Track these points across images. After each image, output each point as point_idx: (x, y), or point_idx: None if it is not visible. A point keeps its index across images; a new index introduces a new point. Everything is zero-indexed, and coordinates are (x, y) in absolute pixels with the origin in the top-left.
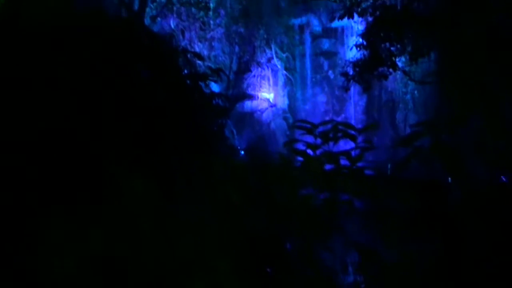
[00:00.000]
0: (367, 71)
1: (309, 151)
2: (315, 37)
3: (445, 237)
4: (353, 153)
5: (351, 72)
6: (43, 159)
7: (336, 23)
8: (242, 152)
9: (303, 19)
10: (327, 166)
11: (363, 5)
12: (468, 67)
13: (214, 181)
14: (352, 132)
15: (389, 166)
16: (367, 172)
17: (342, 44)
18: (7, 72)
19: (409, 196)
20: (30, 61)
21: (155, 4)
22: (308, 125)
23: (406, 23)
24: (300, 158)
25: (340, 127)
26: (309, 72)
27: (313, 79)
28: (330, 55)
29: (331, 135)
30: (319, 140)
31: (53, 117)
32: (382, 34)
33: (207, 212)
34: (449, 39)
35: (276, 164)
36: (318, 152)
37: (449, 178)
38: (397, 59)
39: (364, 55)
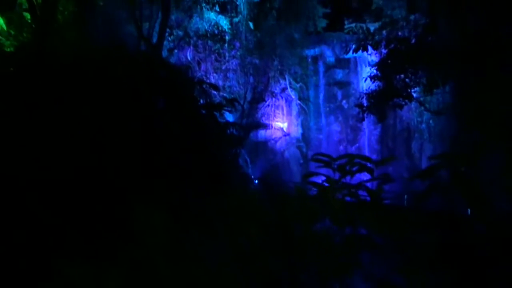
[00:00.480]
0: (382, 102)
1: (327, 184)
2: (328, 68)
3: (467, 269)
4: (369, 184)
5: (365, 103)
6: (65, 192)
7: (349, 54)
8: (256, 181)
9: (317, 50)
10: (346, 198)
11: (377, 38)
12: (486, 99)
13: (229, 215)
14: (369, 164)
15: (405, 197)
16: (384, 202)
17: (356, 74)
18: (32, 105)
19: (429, 228)
20: (54, 94)
21: (172, 37)
22: (326, 158)
23: (420, 55)
24: (316, 190)
25: (357, 160)
26: (322, 101)
27: (327, 109)
28: (344, 85)
29: (347, 168)
30: (337, 175)
31: (75, 151)
32: (396, 66)
33: (224, 247)
34: (465, 72)
35: (292, 196)
36: (336, 184)
37: (468, 210)
38: (412, 89)
39: (378, 86)
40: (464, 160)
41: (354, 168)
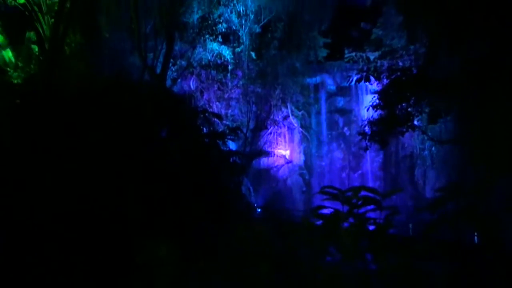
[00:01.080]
0: (385, 131)
1: (335, 216)
2: (329, 95)
3: None
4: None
5: (368, 131)
6: (70, 225)
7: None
8: (259, 210)
9: (318, 79)
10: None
11: (378, 67)
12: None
13: (236, 248)
14: (376, 196)
15: (410, 225)
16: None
17: (356, 101)
18: (39, 137)
19: (439, 258)
20: (61, 126)
21: (176, 66)
22: (333, 191)
23: (422, 85)
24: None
25: (363, 192)
26: (324, 129)
27: (329, 136)
28: (345, 112)
29: (354, 201)
30: (345, 207)
31: (81, 183)
32: (398, 96)
33: (232, 281)
34: (467, 101)
35: (299, 227)
36: (344, 216)
37: (476, 239)
38: (414, 118)
39: (381, 115)
40: (471, 192)
41: (361, 202)
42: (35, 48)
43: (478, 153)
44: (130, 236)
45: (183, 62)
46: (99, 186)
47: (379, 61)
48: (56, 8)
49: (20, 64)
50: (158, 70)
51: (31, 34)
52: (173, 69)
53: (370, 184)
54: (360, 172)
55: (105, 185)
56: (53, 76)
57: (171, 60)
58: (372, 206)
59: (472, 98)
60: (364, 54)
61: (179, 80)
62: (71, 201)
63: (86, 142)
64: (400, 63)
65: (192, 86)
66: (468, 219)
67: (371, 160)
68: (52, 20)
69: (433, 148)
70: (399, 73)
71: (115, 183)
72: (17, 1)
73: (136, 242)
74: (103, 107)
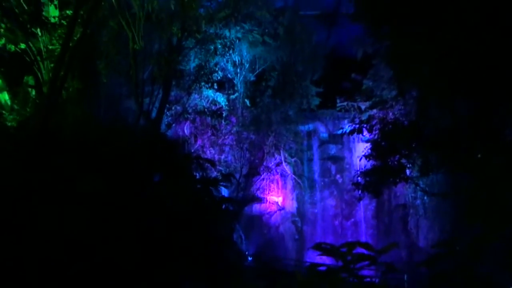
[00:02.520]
0: (378, 181)
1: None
2: (322, 143)
3: None
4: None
5: (361, 181)
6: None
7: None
8: (250, 258)
9: (310, 126)
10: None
11: (369, 117)
12: (483, 186)
13: None
14: (371, 253)
15: (405, 277)
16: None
17: (348, 149)
18: (33, 182)
19: None
20: (56, 172)
21: (171, 111)
22: (328, 247)
23: (413, 138)
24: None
25: (358, 248)
26: (317, 176)
27: (322, 183)
28: (337, 160)
29: (349, 258)
30: (340, 262)
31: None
32: (390, 148)
33: None
34: (458, 156)
35: (293, 284)
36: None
37: None
38: (407, 169)
39: (373, 165)
40: (466, 250)
41: (356, 258)
42: (32, 91)
43: (470, 207)
44: (118, 282)
45: (178, 108)
46: (91, 234)
47: (370, 111)
48: (56, 53)
49: (16, 107)
50: (154, 115)
51: (29, 78)
52: (168, 114)
53: (363, 233)
54: (353, 220)
55: (97, 233)
56: (49, 121)
57: (167, 105)
58: (367, 262)
59: (463, 152)
60: (355, 104)
61: (173, 125)
62: (62, 248)
63: (80, 190)
64: (391, 113)
65: (186, 131)
66: (463, 280)
67: (364, 208)
68: (52, 65)
69: (425, 198)
70: (390, 126)
71: (107, 231)
72: (18, 46)
73: None
74: (98, 154)
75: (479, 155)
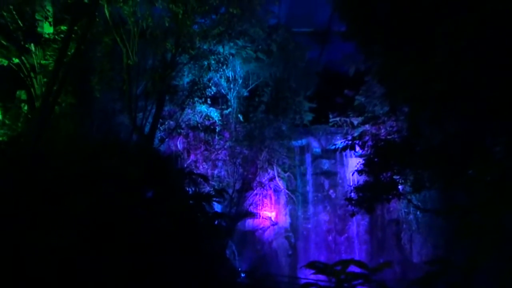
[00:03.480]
0: (371, 197)
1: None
2: (315, 158)
3: None
4: None
5: (354, 196)
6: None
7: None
8: (243, 275)
9: (304, 141)
10: None
11: (363, 137)
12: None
13: None
14: (365, 271)
15: None
16: None
17: (341, 164)
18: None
19: None
20: (47, 188)
21: (164, 126)
22: (321, 265)
23: (405, 155)
24: None
25: (351, 267)
26: (310, 191)
27: (315, 198)
28: (330, 175)
29: (342, 276)
30: (333, 280)
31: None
32: (383, 164)
33: None
34: (451, 174)
35: None
36: None
37: None
38: (399, 185)
39: (366, 181)
40: (459, 268)
41: (349, 277)
42: (25, 106)
43: (462, 224)
44: None
45: (171, 123)
46: (82, 253)
47: (362, 127)
48: (50, 68)
49: (7, 122)
50: (147, 130)
51: (22, 93)
52: (161, 129)
53: (357, 248)
54: (346, 235)
55: (89, 252)
56: (41, 137)
57: (160, 120)
58: (360, 281)
59: (455, 169)
60: (348, 119)
61: (166, 140)
62: (54, 267)
63: (71, 208)
64: (383, 129)
65: (179, 146)
66: None
67: (357, 223)
68: (45, 79)
69: (418, 213)
70: (382, 143)
71: (98, 249)
72: (12, 61)
73: None
74: (90, 170)
75: (470, 172)
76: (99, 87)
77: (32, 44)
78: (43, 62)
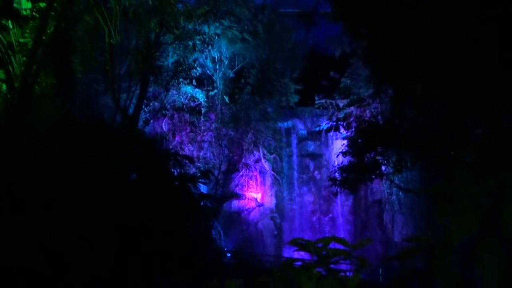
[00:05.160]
0: (354, 178)
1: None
2: (300, 140)
3: None
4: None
5: (338, 177)
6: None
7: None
8: (229, 255)
9: (289, 123)
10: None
11: (348, 119)
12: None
13: None
14: (346, 248)
15: (380, 271)
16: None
17: (327, 146)
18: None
19: None
20: (28, 170)
21: (149, 108)
22: (303, 242)
23: (388, 136)
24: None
25: (332, 244)
26: (295, 172)
27: (300, 180)
28: (316, 156)
29: (324, 252)
30: (315, 257)
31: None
32: (366, 145)
33: None
34: (431, 155)
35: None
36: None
37: None
38: (382, 166)
39: (350, 162)
40: (438, 245)
41: (331, 253)
42: (3, 86)
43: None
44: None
45: (156, 104)
46: (64, 236)
47: (347, 109)
48: (29, 46)
49: None
50: (131, 111)
51: (0, 72)
52: (146, 110)
53: (341, 228)
54: (330, 216)
55: (71, 235)
56: (21, 118)
57: (144, 101)
58: (341, 257)
59: (436, 151)
60: (333, 101)
61: (151, 121)
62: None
63: (54, 192)
64: (368, 111)
65: (164, 128)
66: (436, 275)
67: (341, 204)
68: (24, 58)
69: (400, 193)
70: (366, 124)
71: (81, 232)
72: None
73: None
74: (73, 154)
75: (451, 153)
76: (81, 67)
77: (9, 21)
78: (21, 40)
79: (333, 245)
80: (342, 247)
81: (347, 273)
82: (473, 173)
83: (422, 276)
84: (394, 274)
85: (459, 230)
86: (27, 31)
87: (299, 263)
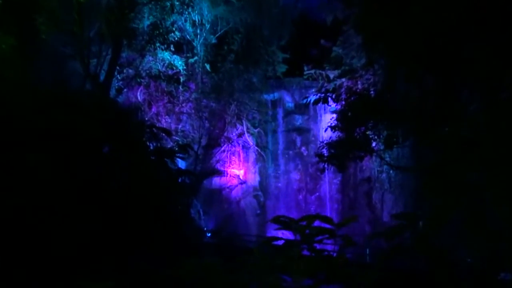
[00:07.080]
0: (343, 154)
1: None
2: (287, 113)
3: None
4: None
5: (326, 153)
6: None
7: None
8: (209, 234)
9: (276, 95)
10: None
11: (336, 86)
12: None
13: (180, 281)
14: (331, 227)
15: (367, 251)
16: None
17: (315, 120)
18: None
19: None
20: None
21: (122, 75)
22: (287, 220)
23: (379, 110)
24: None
25: (317, 222)
26: (281, 148)
27: (286, 156)
28: (303, 131)
29: (307, 231)
30: (298, 236)
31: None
32: (356, 119)
33: None
34: (423, 131)
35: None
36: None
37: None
38: (373, 142)
39: (339, 136)
40: (426, 222)
41: (315, 231)
42: None
43: (432, 182)
44: (63, 266)
45: (130, 71)
46: (32, 211)
47: (338, 80)
48: None
49: None
50: (102, 78)
51: None
52: (119, 78)
53: (328, 207)
54: (317, 194)
55: (39, 209)
56: None
57: (117, 68)
58: (325, 236)
59: (429, 126)
60: (324, 72)
61: (125, 90)
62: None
63: (19, 163)
64: (360, 83)
65: (139, 98)
66: (422, 251)
67: (329, 182)
68: None
69: (390, 172)
70: (357, 96)
71: (52, 208)
72: None
73: (69, 277)
74: (38, 123)
75: (444, 129)
76: (46, 27)
77: None
78: None
79: (317, 223)
80: (327, 225)
81: (332, 253)
82: (464, 149)
83: (407, 252)
84: (380, 253)
85: (448, 208)
86: None
87: (281, 241)
